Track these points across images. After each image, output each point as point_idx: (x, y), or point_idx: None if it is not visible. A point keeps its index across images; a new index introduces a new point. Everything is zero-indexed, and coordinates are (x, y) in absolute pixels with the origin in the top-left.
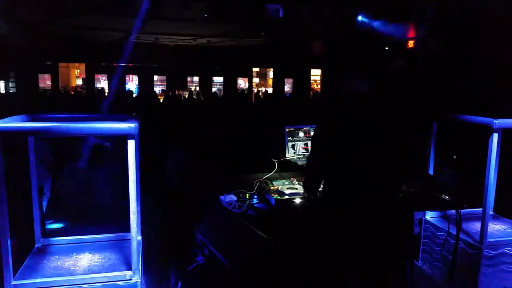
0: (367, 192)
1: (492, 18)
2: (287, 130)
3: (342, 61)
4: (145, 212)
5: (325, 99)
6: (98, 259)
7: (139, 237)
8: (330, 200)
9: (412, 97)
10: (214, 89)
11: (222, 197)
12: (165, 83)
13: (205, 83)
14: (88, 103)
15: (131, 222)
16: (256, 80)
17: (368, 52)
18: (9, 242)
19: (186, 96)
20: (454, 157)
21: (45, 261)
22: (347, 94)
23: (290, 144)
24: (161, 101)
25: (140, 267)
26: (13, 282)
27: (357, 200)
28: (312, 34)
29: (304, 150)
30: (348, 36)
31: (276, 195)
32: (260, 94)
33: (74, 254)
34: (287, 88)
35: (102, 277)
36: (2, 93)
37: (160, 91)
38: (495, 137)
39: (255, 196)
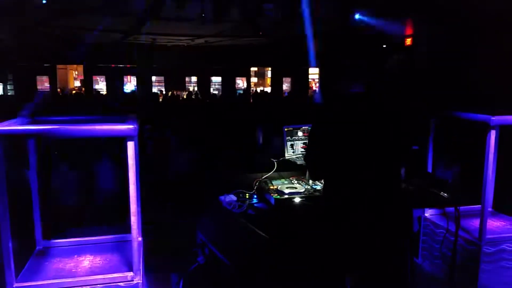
0: (365, 189)
1: (492, 15)
2: (285, 129)
3: (338, 61)
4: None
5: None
6: (99, 260)
7: (140, 238)
8: (330, 198)
9: (409, 94)
10: (212, 89)
11: (222, 197)
12: (163, 84)
13: (204, 83)
14: (88, 104)
15: (132, 223)
16: (254, 79)
17: (365, 51)
18: (10, 244)
19: (185, 96)
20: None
21: (46, 263)
22: (344, 93)
23: (289, 143)
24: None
25: (141, 268)
26: (16, 285)
27: (356, 197)
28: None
29: (303, 150)
30: (345, 34)
31: (276, 194)
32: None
33: (75, 256)
34: (285, 87)
35: (103, 278)
36: (1, 95)
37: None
38: (493, 134)
39: (255, 196)
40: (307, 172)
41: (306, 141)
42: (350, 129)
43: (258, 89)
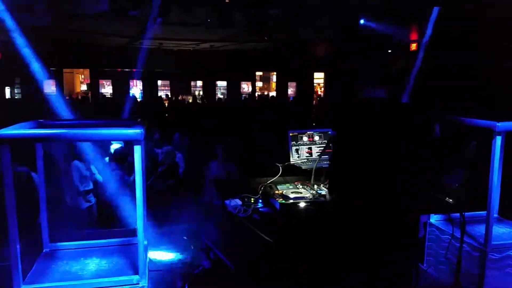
0: (376, 195)
1: (494, 18)
2: (290, 134)
3: (358, 68)
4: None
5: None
6: (105, 263)
7: (146, 242)
8: (337, 203)
9: (416, 99)
10: (217, 93)
11: (227, 202)
12: (169, 88)
13: (209, 88)
14: (94, 108)
15: (138, 226)
16: (259, 84)
17: (372, 55)
18: (18, 247)
19: (190, 100)
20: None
21: (53, 265)
22: (365, 99)
23: (294, 148)
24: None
25: (146, 271)
26: (23, 286)
27: (363, 203)
28: (315, 38)
29: (308, 154)
30: (351, 40)
31: (281, 199)
32: None
33: (82, 258)
34: (290, 91)
35: (109, 281)
36: (8, 99)
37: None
38: (498, 139)
39: (260, 201)
40: (312, 177)
41: (311, 146)
42: (376, 139)
43: (265, 93)
